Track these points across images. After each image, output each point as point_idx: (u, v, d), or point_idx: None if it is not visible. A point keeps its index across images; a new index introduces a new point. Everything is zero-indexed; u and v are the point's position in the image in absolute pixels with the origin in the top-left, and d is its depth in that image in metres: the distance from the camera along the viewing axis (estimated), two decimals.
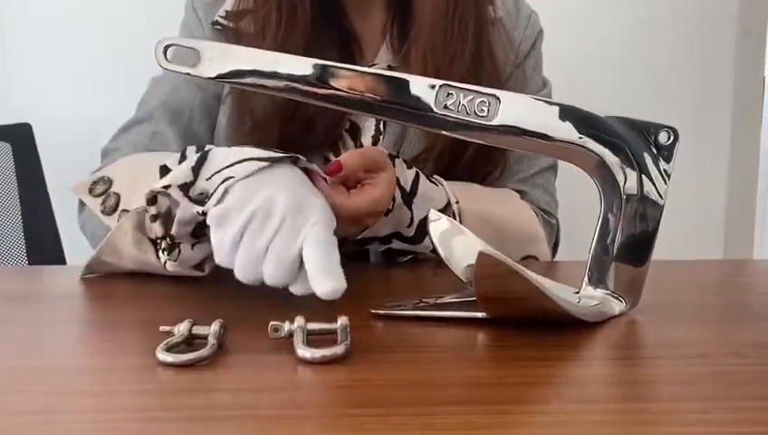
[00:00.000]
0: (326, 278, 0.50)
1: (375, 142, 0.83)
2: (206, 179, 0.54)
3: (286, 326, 0.47)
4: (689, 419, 0.37)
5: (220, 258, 0.53)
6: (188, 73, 0.54)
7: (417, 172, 0.71)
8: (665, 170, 0.53)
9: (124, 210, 0.65)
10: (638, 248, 0.54)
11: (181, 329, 0.46)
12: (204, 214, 0.53)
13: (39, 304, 0.61)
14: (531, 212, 0.83)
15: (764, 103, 2.13)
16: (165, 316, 0.48)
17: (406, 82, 0.53)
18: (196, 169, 0.55)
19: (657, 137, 0.53)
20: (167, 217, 0.57)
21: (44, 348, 0.49)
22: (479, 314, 0.52)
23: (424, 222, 0.69)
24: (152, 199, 0.56)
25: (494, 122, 0.53)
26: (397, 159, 0.69)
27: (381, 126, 0.84)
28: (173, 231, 0.56)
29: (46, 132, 1.32)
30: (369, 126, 0.84)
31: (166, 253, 0.58)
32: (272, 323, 0.47)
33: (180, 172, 0.55)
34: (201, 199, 0.54)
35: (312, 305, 0.51)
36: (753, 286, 0.73)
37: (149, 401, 0.40)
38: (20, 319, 0.57)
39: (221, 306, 0.56)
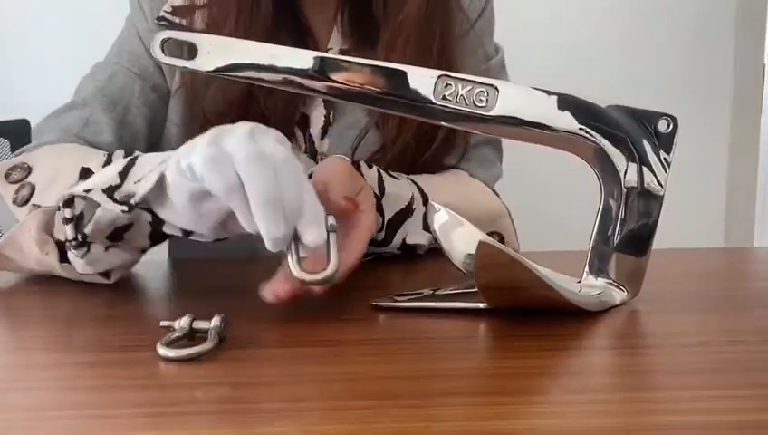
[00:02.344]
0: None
1: (323, 133, 0.81)
2: (135, 182, 0.51)
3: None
4: (691, 408, 0.37)
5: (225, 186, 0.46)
6: (186, 67, 0.54)
7: (378, 171, 0.68)
8: (665, 159, 0.53)
9: (35, 205, 0.62)
10: (638, 238, 0.54)
11: (182, 324, 0.46)
12: (130, 210, 0.51)
13: (38, 300, 0.61)
14: (486, 188, 0.83)
15: (764, 91, 2.13)
16: (165, 311, 0.48)
17: (404, 74, 0.53)
18: (124, 174, 0.52)
19: (657, 125, 0.53)
20: (80, 221, 0.54)
21: (44, 344, 0.49)
22: (480, 305, 0.51)
23: (393, 223, 0.68)
24: (69, 202, 0.53)
25: (493, 113, 0.53)
26: (361, 163, 0.66)
27: (331, 116, 0.81)
28: (86, 229, 0.53)
29: None
30: (317, 116, 0.81)
31: (75, 250, 0.55)
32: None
33: (106, 177, 0.52)
34: (127, 201, 0.51)
35: (306, 300, 0.51)
36: (755, 274, 0.73)
37: (151, 395, 0.40)
38: (18, 314, 0.57)
39: (221, 301, 0.56)
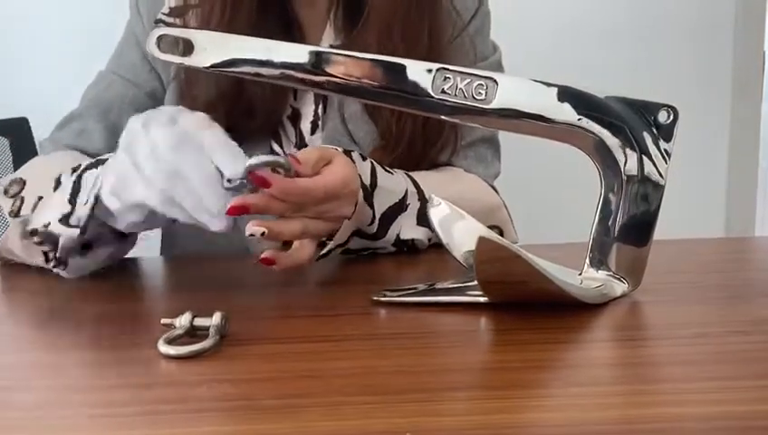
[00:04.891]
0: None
1: (314, 128, 0.81)
2: (83, 204, 0.57)
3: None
4: (693, 399, 0.37)
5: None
6: (182, 63, 0.54)
7: (372, 163, 0.68)
8: (665, 150, 0.53)
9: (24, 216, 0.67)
10: (639, 229, 0.54)
11: (182, 321, 0.46)
12: (83, 233, 0.57)
13: (38, 299, 0.61)
14: (482, 182, 0.83)
15: (765, 79, 2.12)
16: (166, 309, 0.48)
17: (402, 67, 0.53)
18: (72, 200, 0.58)
19: (657, 116, 0.53)
20: (50, 239, 0.59)
21: (45, 343, 0.49)
22: (481, 299, 0.51)
23: (385, 216, 0.67)
24: (33, 232, 0.59)
25: (493, 105, 0.52)
26: (353, 153, 0.65)
27: (320, 111, 0.81)
28: (59, 254, 0.59)
29: (44, 126, 1.31)
30: (307, 112, 0.82)
31: (57, 269, 0.61)
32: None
33: (57, 206, 0.58)
34: (79, 224, 0.57)
35: (306, 295, 0.51)
36: (756, 263, 0.73)
37: (152, 393, 0.40)
38: (18, 313, 0.57)
39: (222, 298, 0.56)
